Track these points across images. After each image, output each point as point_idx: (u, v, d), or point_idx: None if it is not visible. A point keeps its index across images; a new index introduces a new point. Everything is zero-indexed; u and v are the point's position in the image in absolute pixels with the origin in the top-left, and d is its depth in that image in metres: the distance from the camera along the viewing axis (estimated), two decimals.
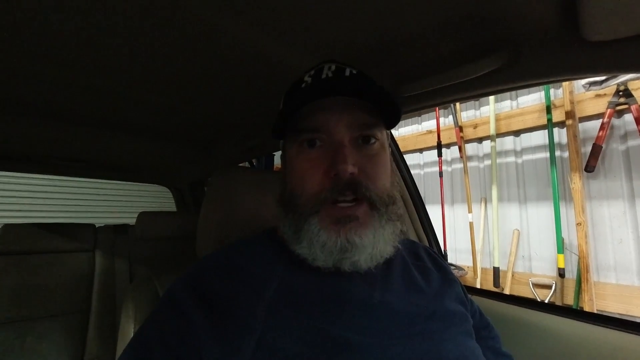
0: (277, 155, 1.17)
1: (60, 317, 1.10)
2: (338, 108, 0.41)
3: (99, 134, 1.07)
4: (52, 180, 3.15)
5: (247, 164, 1.81)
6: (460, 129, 2.27)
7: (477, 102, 2.27)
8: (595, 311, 1.62)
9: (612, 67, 0.44)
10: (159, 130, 1.08)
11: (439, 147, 2.35)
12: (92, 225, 1.33)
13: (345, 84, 0.41)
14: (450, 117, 2.33)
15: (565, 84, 1.77)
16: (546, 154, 1.90)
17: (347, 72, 0.43)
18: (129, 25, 0.50)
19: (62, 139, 1.10)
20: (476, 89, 0.59)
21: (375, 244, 0.39)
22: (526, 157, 2.02)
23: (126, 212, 3.52)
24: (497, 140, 2.11)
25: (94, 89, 0.74)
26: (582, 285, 1.66)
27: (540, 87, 1.90)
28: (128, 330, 0.51)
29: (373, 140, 0.42)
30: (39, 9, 0.45)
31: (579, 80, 1.73)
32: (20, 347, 1.00)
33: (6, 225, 1.14)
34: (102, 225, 1.40)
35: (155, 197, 3.72)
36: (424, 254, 0.55)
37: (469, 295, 0.55)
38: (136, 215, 1.36)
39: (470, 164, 2.28)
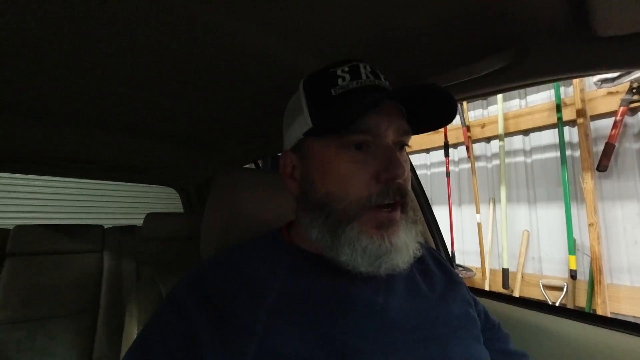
0: None
1: (70, 317, 1.11)
2: (389, 112, 0.40)
3: (108, 136, 1.08)
4: (61, 182, 3.21)
5: (253, 165, 1.81)
6: (468, 128, 2.24)
7: (484, 101, 2.24)
8: (609, 314, 1.58)
9: (624, 63, 0.43)
10: (165, 132, 1.09)
11: (446, 147, 2.33)
12: (100, 227, 1.35)
13: (404, 91, 0.40)
14: (458, 116, 2.31)
15: (576, 81, 1.73)
16: (556, 154, 1.86)
17: (381, 77, 0.44)
18: (134, 28, 0.50)
19: (71, 141, 1.12)
20: (484, 88, 0.58)
21: (409, 245, 0.40)
22: (535, 156, 1.98)
23: (134, 214, 3.56)
24: (506, 139, 2.07)
25: (103, 92, 0.75)
26: (595, 287, 1.62)
27: (550, 85, 1.87)
28: (132, 331, 0.51)
29: (405, 147, 0.43)
30: (45, 12, 0.46)
31: (590, 78, 1.69)
32: (31, 347, 1.01)
33: (17, 227, 1.16)
34: (110, 226, 1.42)
35: (162, 199, 3.76)
36: (428, 256, 0.54)
37: (474, 296, 0.54)
38: (144, 216, 1.37)
39: (478, 164, 2.25)
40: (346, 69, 0.42)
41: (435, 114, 0.43)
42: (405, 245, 0.39)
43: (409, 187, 0.42)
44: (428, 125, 0.45)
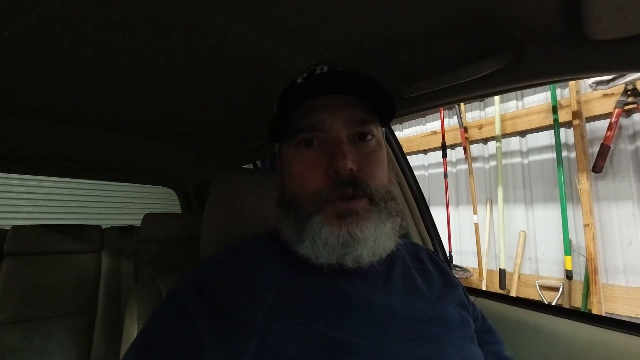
0: None
1: (68, 317, 1.11)
2: (333, 105, 0.41)
3: (106, 136, 1.08)
4: (60, 182, 3.20)
5: (251, 166, 1.82)
6: (465, 129, 2.25)
7: (482, 103, 2.26)
8: (604, 314, 1.59)
9: (617, 66, 0.44)
10: (164, 133, 1.09)
11: (444, 148, 2.34)
12: (98, 227, 1.35)
13: (338, 80, 0.40)
14: (455, 117, 2.32)
15: (571, 83, 1.75)
16: (553, 155, 1.87)
17: (340, 70, 0.44)
18: (134, 29, 0.50)
19: (69, 141, 1.12)
20: (480, 90, 0.59)
21: (377, 238, 0.39)
22: (532, 157, 2.00)
23: (132, 214, 3.55)
24: (503, 140, 2.09)
25: (100, 93, 0.75)
26: (591, 287, 1.63)
27: (546, 87, 1.88)
28: (132, 331, 0.51)
29: (369, 137, 0.42)
30: (45, 13, 0.46)
31: (586, 80, 1.71)
32: (29, 347, 1.01)
33: (15, 227, 1.16)
34: (109, 226, 1.42)
35: (161, 199, 3.75)
36: (426, 257, 0.54)
37: (472, 299, 0.54)
38: (142, 216, 1.37)
39: (475, 165, 2.26)
40: (304, 75, 0.45)
41: (381, 103, 0.42)
42: (371, 238, 0.39)
43: (373, 179, 0.40)
44: (380, 119, 0.44)
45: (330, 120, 0.40)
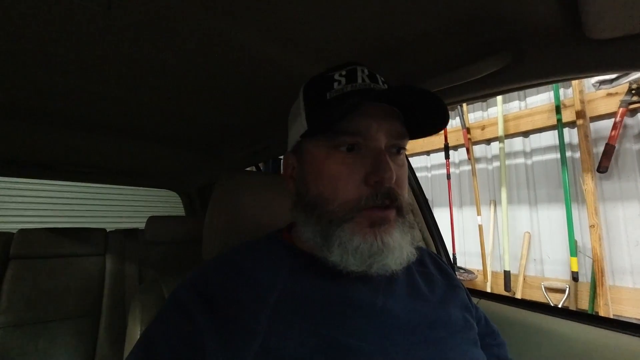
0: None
1: (72, 320, 1.12)
2: (380, 115, 0.40)
3: (110, 140, 1.09)
4: (64, 186, 3.23)
5: (254, 168, 1.82)
6: (468, 130, 2.24)
7: (484, 103, 2.25)
8: (612, 316, 1.57)
9: (618, 66, 0.43)
10: (167, 136, 1.10)
11: (447, 149, 2.33)
12: (103, 230, 1.36)
13: (391, 92, 0.40)
14: (458, 118, 2.31)
15: (574, 83, 1.74)
16: (557, 155, 1.86)
17: (380, 80, 0.44)
18: (137, 34, 0.51)
19: (74, 145, 1.13)
20: (481, 90, 0.59)
21: (404, 246, 0.40)
22: (536, 158, 1.98)
23: (136, 217, 3.58)
24: (506, 141, 2.08)
25: (106, 97, 0.76)
26: (597, 289, 1.61)
27: (549, 86, 1.88)
28: (135, 333, 0.51)
29: (402, 151, 0.43)
30: (49, 17, 0.47)
31: (589, 79, 1.70)
32: (34, 350, 1.02)
33: (21, 230, 1.17)
34: (113, 229, 1.43)
35: (165, 202, 3.78)
36: (429, 260, 0.54)
37: (475, 301, 0.54)
38: (146, 219, 1.38)
39: (478, 166, 2.25)
40: (343, 72, 0.43)
41: (428, 118, 0.43)
42: (398, 247, 0.39)
43: (403, 192, 0.41)
44: (424, 130, 0.45)
45: (376, 129, 0.40)
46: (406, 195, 0.42)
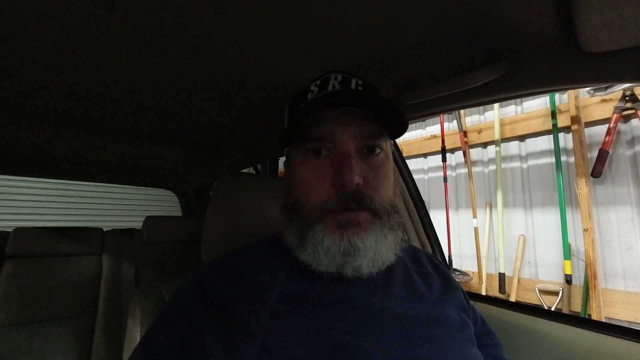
0: (282, 160, 1.18)
1: (68, 320, 1.11)
2: (344, 118, 0.41)
3: (107, 139, 1.09)
4: (61, 185, 3.20)
5: (252, 170, 1.83)
6: (465, 133, 2.26)
7: (481, 107, 2.27)
8: (604, 319, 1.60)
9: (611, 78, 0.44)
10: (165, 136, 1.10)
11: (443, 152, 2.35)
12: (99, 229, 1.36)
13: (352, 95, 0.41)
14: (455, 122, 2.33)
15: None
16: (552, 159, 1.88)
17: (353, 84, 0.44)
18: (139, 37, 0.51)
19: (71, 144, 1.12)
20: (478, 98, 0.60)
21: (377, 249, 0.40)
22: (531, 162, 2.01)
23: (133, 217, 3.56)
24: (502, 145, 2.10)
25: (104, 96, 0.76)
26: (590, 292, 1.64)
27: None
28: (135, 334, 0.52)
29: (378, 151, 0.43)
30: (53, 21, 0.47)
31: None
32: (29, 349, 1.01)
33: (17, 229, 1.16)
34: (110, 229, 1.42)
35: (162, 202, 3.76)
36: (426, 260, 0.55)
37: (472, 302, 0.55)
38: (142, 219, 1.38)
39: (474, 169, 2.27)
40: (318, 82, 0.45)
41: (392, 122, 0.43)
42: (370, 249, 0.39)
43: (378, 193, 0.41)
44: (390, 132, 0.45)
45: (340, 133, 0.41)
46: (388, 195, 0.42)
